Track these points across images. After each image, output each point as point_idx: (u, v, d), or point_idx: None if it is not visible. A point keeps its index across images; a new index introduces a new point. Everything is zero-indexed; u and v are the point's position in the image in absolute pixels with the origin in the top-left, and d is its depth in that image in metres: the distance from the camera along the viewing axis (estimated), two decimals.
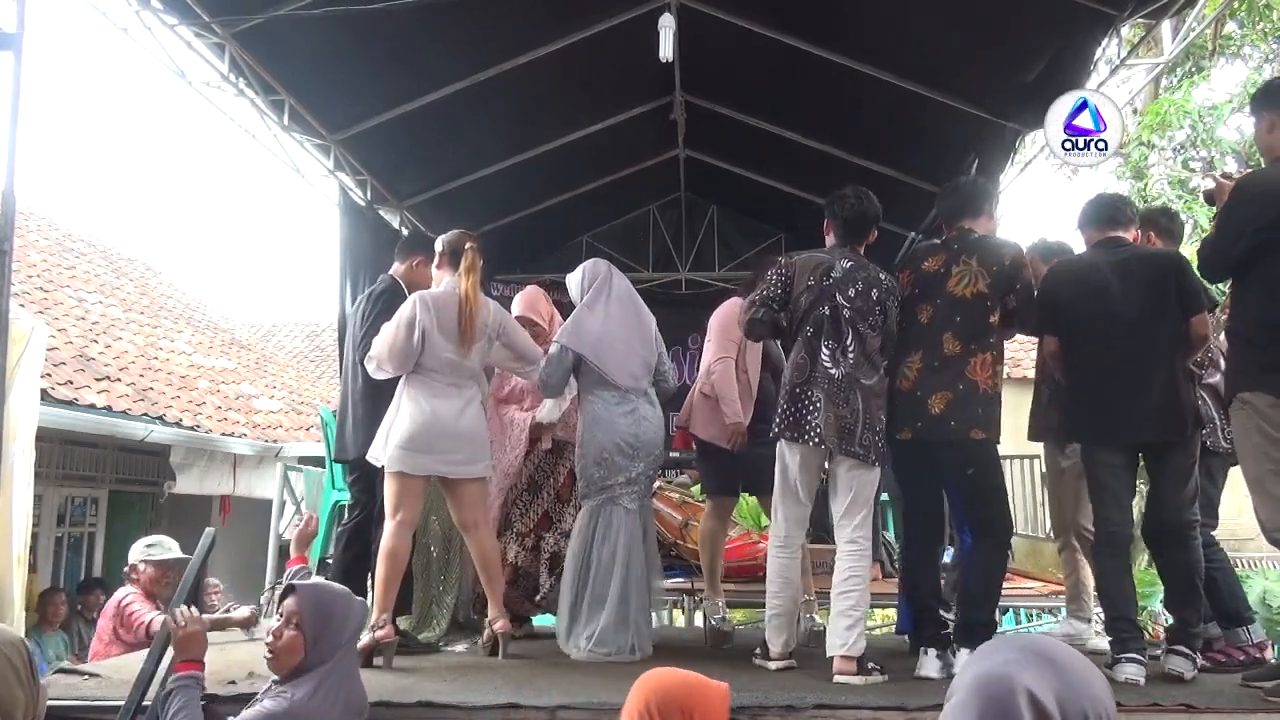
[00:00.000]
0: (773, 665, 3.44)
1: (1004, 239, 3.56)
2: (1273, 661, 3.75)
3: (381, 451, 3.51)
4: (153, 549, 4.52)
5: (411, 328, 3.48)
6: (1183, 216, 10.53)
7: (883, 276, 3.44)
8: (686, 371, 7.45)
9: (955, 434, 3.28)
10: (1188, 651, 3.21)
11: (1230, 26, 11.37)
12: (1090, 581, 4.19)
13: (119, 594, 4.45)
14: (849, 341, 3.32)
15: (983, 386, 3.28)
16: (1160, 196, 11.09)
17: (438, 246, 3.78)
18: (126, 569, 4.52)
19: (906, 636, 3.93)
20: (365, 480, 3.98)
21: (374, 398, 3.80)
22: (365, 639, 3.43)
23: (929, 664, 3.31)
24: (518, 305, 4.37)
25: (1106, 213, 3.53)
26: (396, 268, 4.14)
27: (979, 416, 3.28)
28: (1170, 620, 3.44)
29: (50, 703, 2.86)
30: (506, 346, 3.73)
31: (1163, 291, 3.29)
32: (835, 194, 3.55)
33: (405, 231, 6.70)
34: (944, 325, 3.33)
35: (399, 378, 3.59)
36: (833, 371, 3.30)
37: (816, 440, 3.28)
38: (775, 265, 3.55)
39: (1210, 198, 3.32)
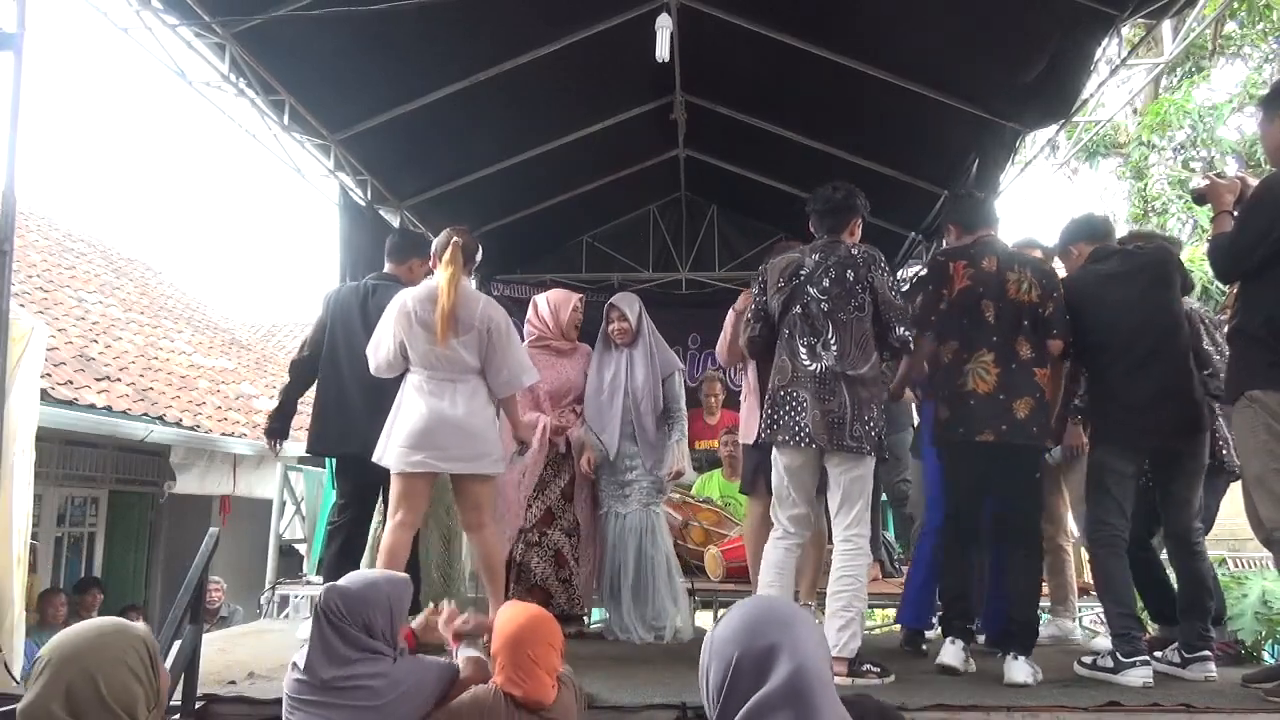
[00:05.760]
0: None
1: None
2: (1272, 662, 3.76)
3: (382, 451, 3.49)
4: None
5: (390, 329, 3.51)
6: (1183, 216, 10.57)
7: (855, 253, 3.35)
8: (686, 372, 7.46)
9: (1036, 440, 3.32)
10: (1207, 654, 3.26)
11: (1230, 26, 11.37)
12: (1074, 581, 4.25)
13: None
14: (829, 335, 3.26)
15: (1048, 396, 3.38)
16: (1160, 196, 11.08)
17: (433, 249, 3.78)
18: None
19: (902, 631, 3.93)
20: (354, 475, 3.97)
21: (387, 397, 3.79)
22: None
23: (953, 653, 3.30)
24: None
25: (1102, 226, 3.67)
26: (392, 268, 4.12)
27: (1048, 427, 3.37)
28: (1181, 625, 3.46)
29: None
30: (493, 350, 3.53)
31: (1169, 282, 3.39)
32: (816, 190, 3.57)
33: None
34: (1013, 328, 3.33)
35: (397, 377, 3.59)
36: (813, 368, 3.26)
37: (806, 441, 3.23)
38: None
39: (1201, 198, 3.31)
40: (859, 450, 3.22)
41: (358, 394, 3.87)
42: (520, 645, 2.39)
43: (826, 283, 3.31)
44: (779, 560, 3.38)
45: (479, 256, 3.72)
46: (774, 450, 3.37)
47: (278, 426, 4.15)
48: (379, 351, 3.54)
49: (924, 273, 3.49)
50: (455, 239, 3.60)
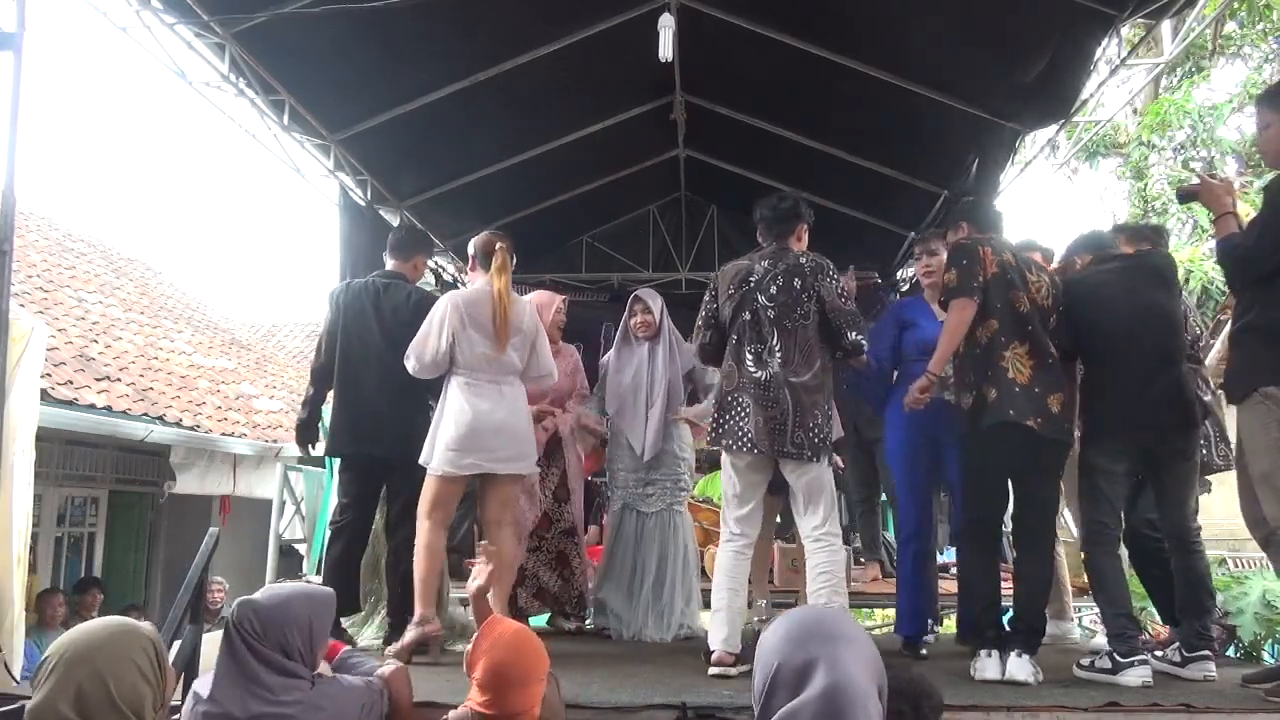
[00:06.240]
0: (713, 670, 3.27)
1: None
2: (1271, 663, 3.76)
3: (430, 455, 3.54)
4: None
5: (441, 329, 3.54)
6: (1183, 216, 10.57)
7: (803, 261, 3.39)
8: None
9: (1067, 435, 3.33)
10: (1207, 654, 3.26)
11: (1230, 26, 11.38)
12: (1068, 581, 4.25)
13: None
14: (774, 342, 3.32)
15: (1074, 396, 3.41)
16: (1160, 196, 11.09)
17: (470, 250, 3.82)
18: None
19: (902, 640, 3.90)
20: (362, 476, 3.97)
21: (407, 397, 3.80)
22: (412, 634, 3.48)
23: (990, 666, 3.18)
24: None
25: (1108, 241, 3.70)
26: (397, 264, 4.10)
27: (1074, 425, 3.38)
28: (1180, 625, 3.46)
29: None
30: (533, 352, 3.72)
31: (1166, 282, 3.42)
32: (760, 199, 3.60)
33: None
34: (1041, 326, 3.35)
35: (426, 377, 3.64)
36: (758, 374, 3.32)
37: (749, 446, 3.28)
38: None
39: (1188, 195, 3.31)
40: (798, 456, 3.27)
41: (374, 392, 3.86)
42: (508, 681, 2.25)
43: (774, 290, 3.36)
44: (729, 563, 3.40)
45: (514, 260, 3.81)
46: (722, 453, 3.44)
47: (309, 434, 4.13)
48: (426, 352, 3.55)
49: (953, 251, 3.46)
50: (501, 244, 3.69)
